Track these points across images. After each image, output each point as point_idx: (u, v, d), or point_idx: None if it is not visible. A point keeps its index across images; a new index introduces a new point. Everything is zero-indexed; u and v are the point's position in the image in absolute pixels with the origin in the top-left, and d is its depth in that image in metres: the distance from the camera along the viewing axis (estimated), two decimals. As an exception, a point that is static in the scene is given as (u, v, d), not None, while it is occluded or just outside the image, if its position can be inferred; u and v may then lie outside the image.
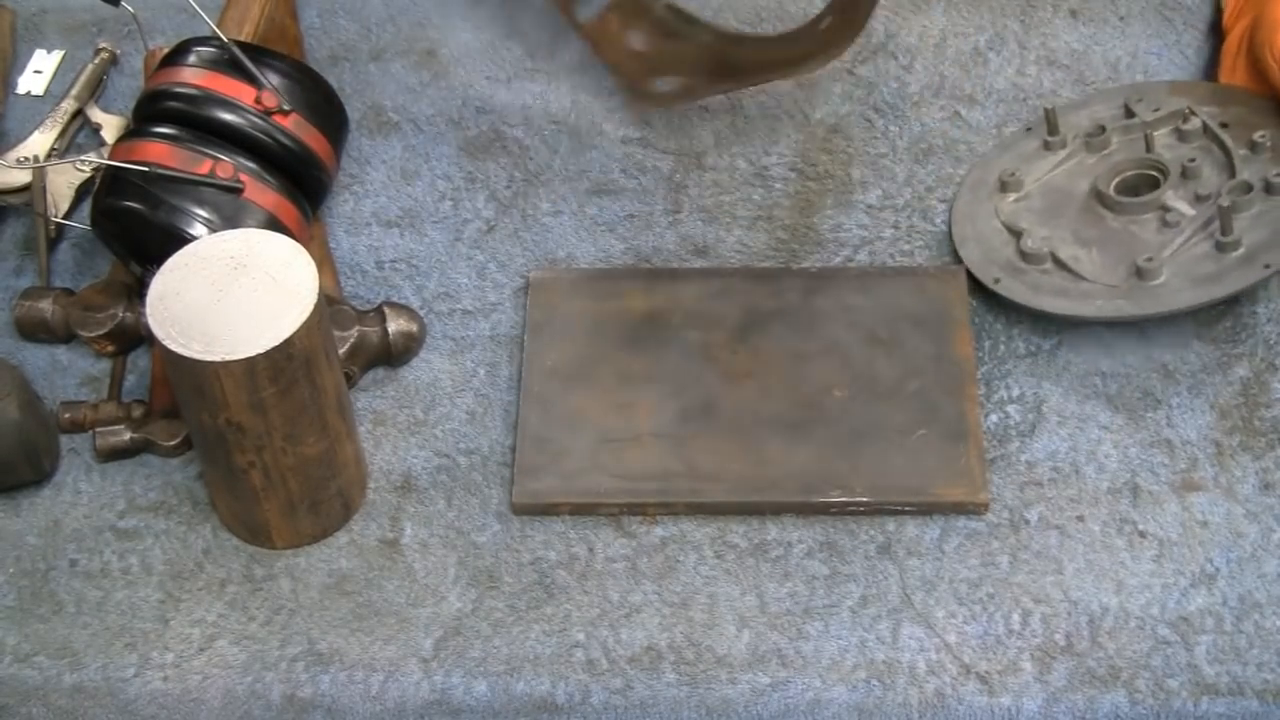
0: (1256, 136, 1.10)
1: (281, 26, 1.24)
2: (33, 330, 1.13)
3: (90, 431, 1.09)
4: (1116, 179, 1.13)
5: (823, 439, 1.05)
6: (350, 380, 1.10)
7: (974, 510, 1.03)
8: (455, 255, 1.17)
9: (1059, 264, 1.10)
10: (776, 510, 1.04)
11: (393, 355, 1.11)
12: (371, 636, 1.00)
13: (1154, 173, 1.12)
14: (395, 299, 1.14)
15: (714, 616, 1.00)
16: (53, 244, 1.18)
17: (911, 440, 1.05)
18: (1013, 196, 1.15)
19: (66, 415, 1.09)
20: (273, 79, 1.10)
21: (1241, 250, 1.06)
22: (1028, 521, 1.03)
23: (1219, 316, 1.11)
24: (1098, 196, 1.12)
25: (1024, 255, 1.11)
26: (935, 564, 1.01)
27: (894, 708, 0.97)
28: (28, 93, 1.29)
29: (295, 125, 1.10)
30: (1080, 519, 1.03)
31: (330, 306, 1.08)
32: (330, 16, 1.31)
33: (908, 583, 1.01)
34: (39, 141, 1.23)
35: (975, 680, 0.97)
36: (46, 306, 1.12)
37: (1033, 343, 1.10)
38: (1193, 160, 1.11)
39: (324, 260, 1.16)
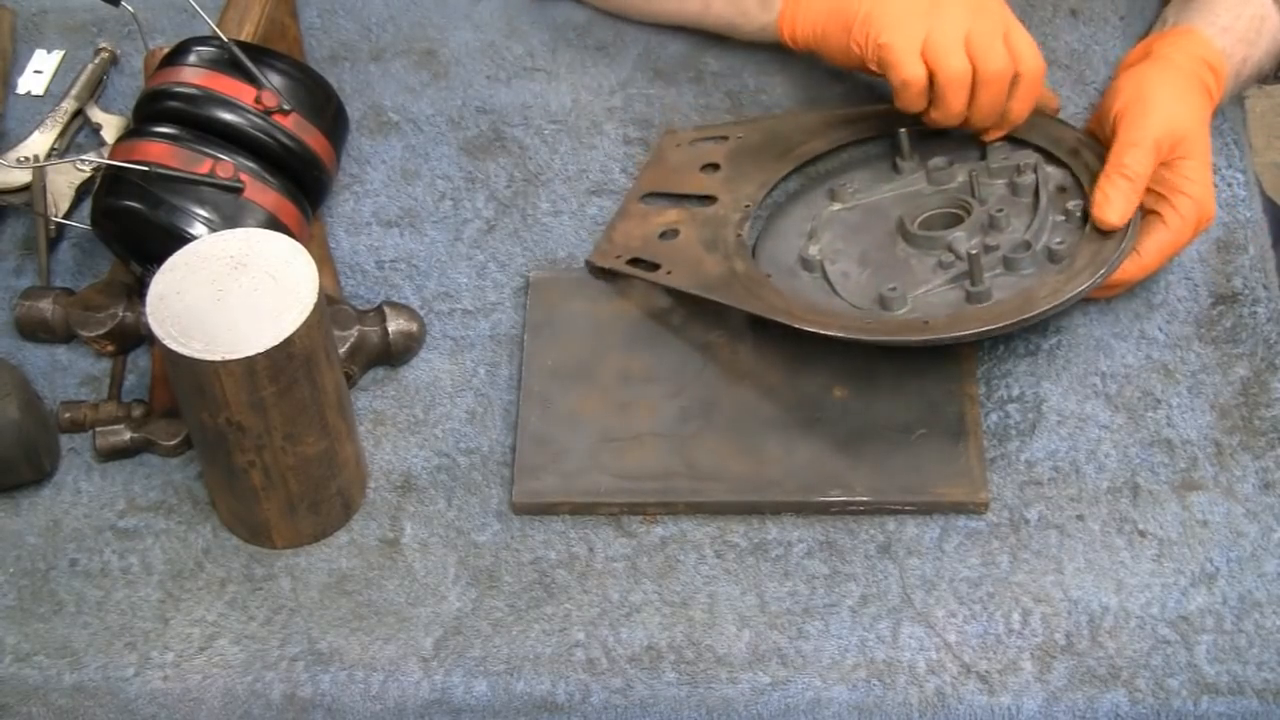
0: (1070, 204, 1.08)
1: (281, 26, 1.24)
2: (33, 330, 1.13)
3: (90, 431, 1.09)
4: (926, 213, 1.11)
5: (823, 439, 1.05)
6: (350, 380, 1.10)
7: (974, 510, 1.03)
8: (455, 255, 1.17)
9: (825, 276, 1.09)
10: (776, 510, 1.04)
11: (393, 355, 1.11)
12: (371, 636, 1.00)
13: (960, 212, 1.10)
14: (395, 299, 1.14)
15: (714, 616, 1.00)
16: (53, 244, 1.18)
17: (911, 440, 1.05)
18: (837, 206, 1.14)
19: (66, 415, 1.09)
20: (273, 79, 1.10)
21: (987, 304, 1.04)
22: (1028, 521, 1.03)
23: (1219, 316, 1.11)
24: (900, 225, 1.10)
25: (802, 260, 1.11)
26: (935, 563, 1.01)
27: (894, 707, 0.97)
28: (28, 93, 1.29)
29: (295, 125, 1.10)
30: (1080, 518, 1.03)
31: (330, 306, 1.08)
32: (330, 16, 1.31)
33: (908, 582, 1.01)
34: (39, 141, 1.23)
35: (975, 680, 0.97)
36: (46, 306, 1.12)
37: (1033, 343, 1.10)
38: (1001, 210, 1.08)
39: (324, 260, 1.16)
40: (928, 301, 1.06)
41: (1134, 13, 1.27)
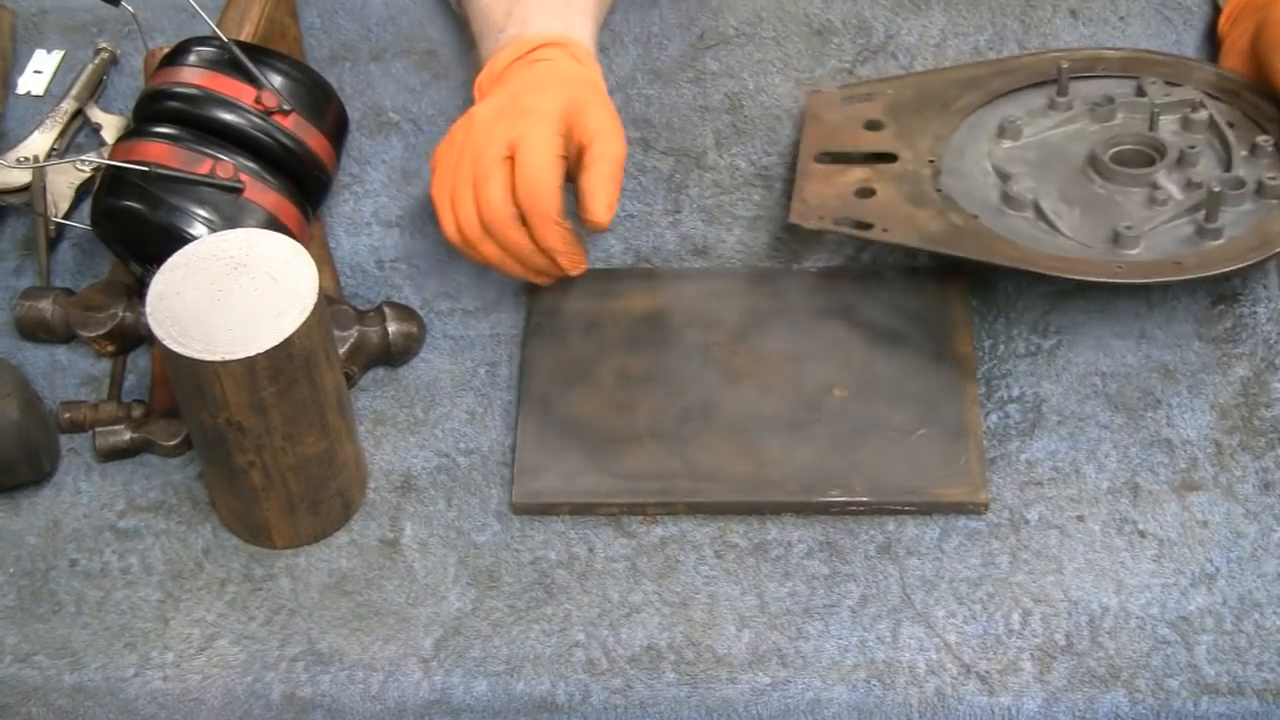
0: (1259, 139, 1.10)
1: (281, 26, 1.24)
2: (33, 330, 1.13)
3: (90, 431, 1.09)
4: (1114, 149, 1.12)
5: (823, 439, 1.05)
6: (350, 380, 1.10)
7: (974, 510, 1.03)
8: (455, 255, 1.17)
9: (1040, 214, 1.09)
10: (776, 510, 1.04)
11: (393, 355, 1.11)
12: (371, 636, 1.00)
13: (1151, 151, 1.12)
14: (395, 299, 1.14)
15: (714, 616, 1.00)
16: (53, 244, 1.18)
17: (911, 440, 1.05)
18: (1009, 143, 1.15)
19: (66, 415, 1.09)
20: (273, 79, 1.10)
21: (1221, 240, 1.06)
22: (1028, 521, 1.03)
23: (1219, 317, 1.11)
24: (1092, 161, 1.11)
25: (1007, 198, 1.11)
26: (935, 564, 1.01)
27: (894, 708, 0.97)
28: (28, 93, 1.29)
29: (295, 125, 1.10)
30: (1080, 519, 1.03)
31: (330, 306, 1.08)
32: (330, 16, 1.31)
33: (908, 582, 1.01)
34: (39, 141, 1.23)
35: (975, 680, 0.97)
36: (46, 306, 1.12)
37: (1033, 343, 1.10)
38: (1192, 148, 1.10)
39: (324, 260, 1.16)
40: (1158, 238, 1.07)
41: (1134, 13, 1.27)
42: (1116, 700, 0.96)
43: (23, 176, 1.20)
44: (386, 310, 1.11)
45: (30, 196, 1.19)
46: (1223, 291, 1.12)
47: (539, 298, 1.13)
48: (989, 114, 1.17)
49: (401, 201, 1.20)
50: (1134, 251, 1.06)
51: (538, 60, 1.12)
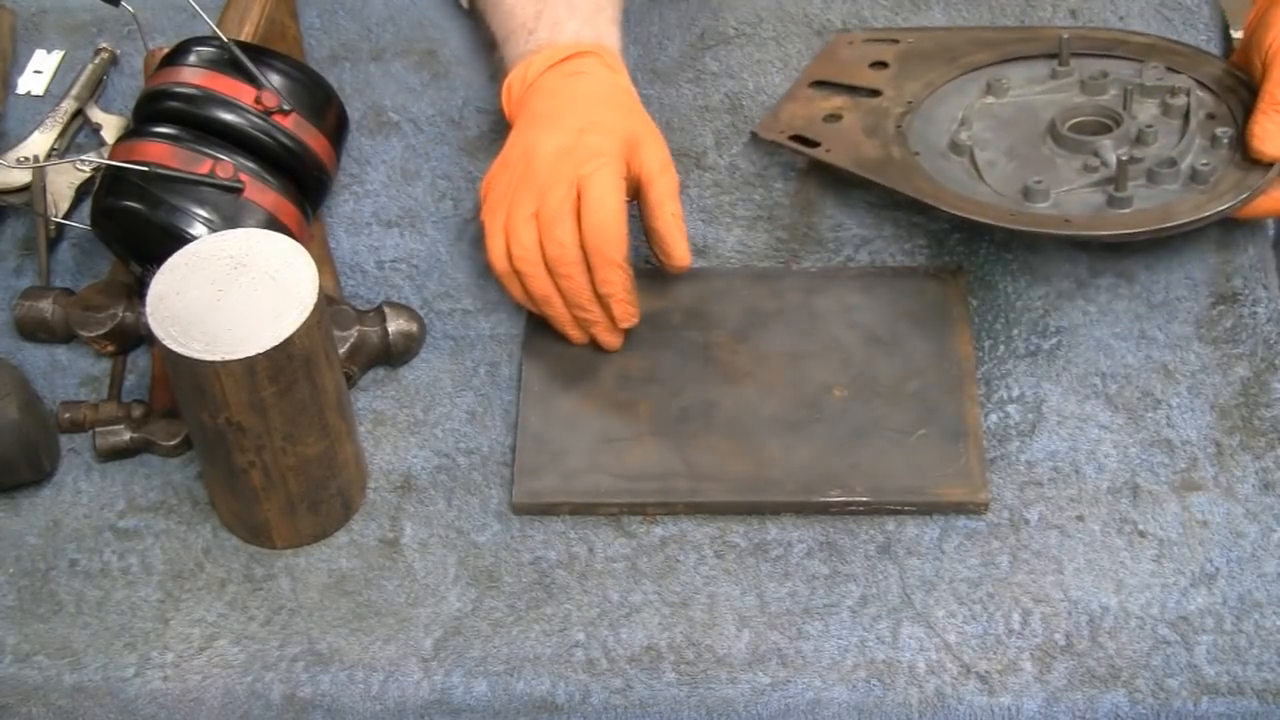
0: (1218, 131, 1.10)
1: (281, 26, 1.24)
2: (33, 330, 1.13)
3: (90, 431, 1.09)
4: (1075, 118, 1.14)
5: (823, 439, 1.05)
6: (350, 380, 1.10)
7: (974, 510, 1.03)
8: (455, 255, 1.17)
9: (973, 161, 1.12)
10: (776, 510, 1.04)
11: (393, 355, 1.11)
12: (371, 636, 1.00)
13: (1108, 122, 1.13)
14: (395, 299, 1.14)
15: (714, 616, 1.00)
16: (53, 244, 1.18)
17: (911, 440, 1.05)
18: (990, 99, 1.17)
19: (66, 415, 1.09)
20: (273, 79, 1.10)
21: (1125, 210, 1.07)
22: (1028, 521, 1.03)
23: (1219, 317, 1.11)
24: (1050, 125, 1.13)
25: (953, 143, 1.14)
26: (935, 564, 1.01)
27: (894, 708, 0.97)
28: (28, 93, 1.29)
29: (295, 125, 1.10)
30: (1080, 519, 1.03)
31: (330, 306, 1.08)
32: (330, 16, 1.31)
33: (908, 582, 1.01)
34: (39, 141, 1.23)
35: (975, 680, 0.97)
36: (46, 306, 1.12)
37: (1032, 343, 1.10)
38: (1150, 127, 1.11)
39: (324, 260, 1.16)
40: (1069, 199, 1.09)
41: (1133, 13, 1.27)
42: (1116, 700, 0.96)
43: (23, 176, 1.20)
44: (386, 310, 1.11)
45: (30, 196, 1.19)
46: (1223, 292, 1.12)
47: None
48: (989, 73, 1.19)
49: (401, 201, 1.20)
50: (1040, 205, 1.09)
51: (575, 72, 1.13)
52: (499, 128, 1.24)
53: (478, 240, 1.18)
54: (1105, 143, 1.11)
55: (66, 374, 1.13)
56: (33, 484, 1.07)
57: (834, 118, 1.18)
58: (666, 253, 1.10)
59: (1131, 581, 1.00)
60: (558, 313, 1.09)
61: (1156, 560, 1.01)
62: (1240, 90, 1.13)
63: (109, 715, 0.99)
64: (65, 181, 1.20)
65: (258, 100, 1.09)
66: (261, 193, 1.08)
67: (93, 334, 1.11)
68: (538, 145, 1.09)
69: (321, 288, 0.96)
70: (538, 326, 1.12)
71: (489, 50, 1.25)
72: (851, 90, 1.20)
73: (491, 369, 1.12)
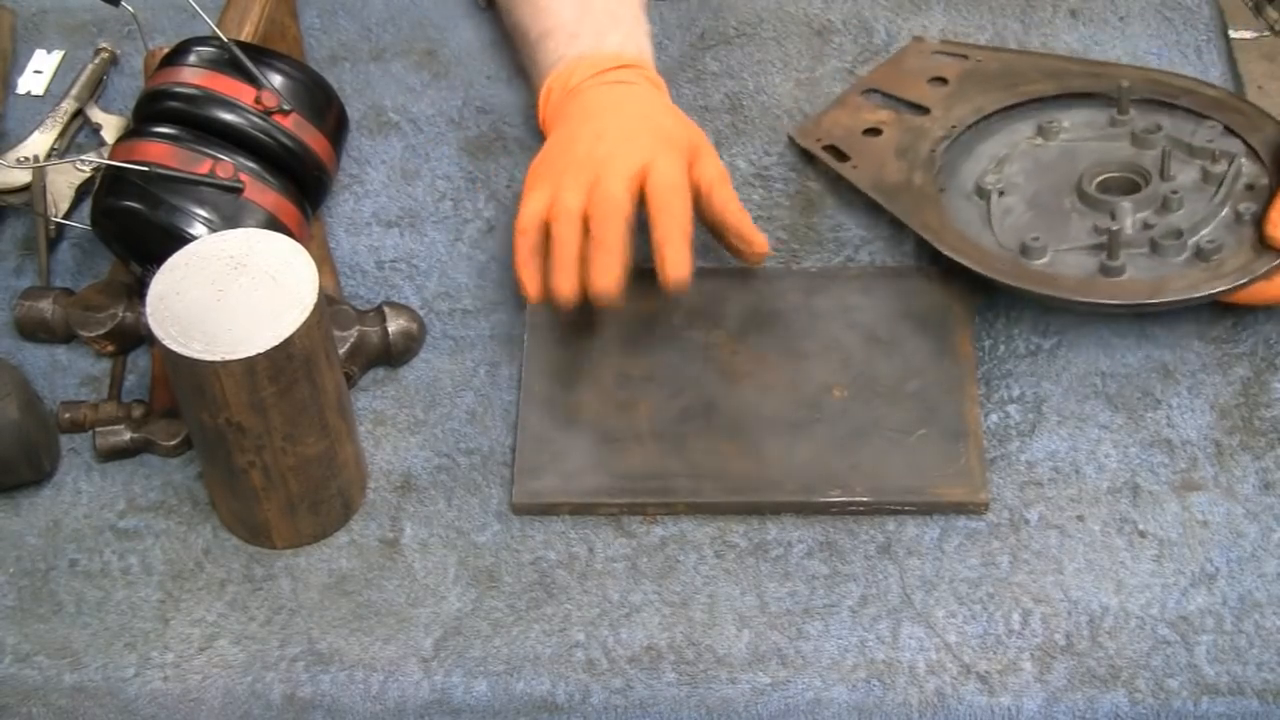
0: (1241, 207, 1.08)
1: (281, 26, 1.24)
2: (33, 330, 1.13)
3: (90, 431, 1.09)
4: (1106, 174, 1.12)
5: (823, 439, 1.05)
6: (350, 380, 1.10)
7: (974, 510, 1.03)
8: (455, 255, 1.17)
9: (987, 208, 1.12)
10: (776, 510, 1.04)
11: (393, 355, 1.11)
12: (371, 636, 1.00)
13: (1139, 180, 1.12)
14: (395, 299, 1.14)
15: (714, 616, 1.00)
16: (53, 244, 1.18)
17: (911, 440, 1.05)
18: (1039, 141, 1.16)
19: (66, 415, 1.09)
20: (273, 79, 1.10)
21: (1117, 279, 1.06)
22: (1028, 521, 1.03)
23: (1219, 316, 1.11)
24: (1079, 178, 1.12)
25: (978, 188, 1.13)
26: (935, 564, 1.01)
27: (894, 708, 0.97)
28: (28, 93, 1.29)
29: (295, 125, 1.10)
30: (1080, 519, 1.03)
31: (330, 306, 1.08)
32: (330, 16, 1.31)
33: (908, 582, 1.01)
34: (39, 141, 1.23)
35: (975, 680, 0.97)
36: (46, 306, 1.12)
37: (1033, 343, 1.10)
38: (1176, 193, 1.09)
39: (324, 260, 1.16)
40: (1065, 259, 1.08)
41: (1134, 13, 1.27)
42: (1116, 700, 0.96)
43: (23, 176, 1.20)
44: (386, 310, 1.11)
45: (30, 196, 1.19)
46: (1223, 291, 1.12)
47: (539, 298, 1.13)
48: (1046, 111, 1.17)
49: (401, 201, 1.20)
50: (1036, 263, 1.08)
51: (622, 81, 1.13)
52: (499, 127, 1.24)
53: (478, 240, 1.18)
54: (1125, 205, 1.09)
55: (66, 374, 1.13)
56: (33, 484, 1.07)
57: (875, 131, 1.18)
58: (748, 241, 1.10)
59: (1131, 581, 1.00)
60: (561, 269, 1.05)
61: (1156, 560, 1.01)
62: None
63: (109, 715, 0.99)
64: (65, 181, 1.20)
65: (258, 100, 1.09)
66: (261, 193, 1.08)
67: (93, 334, 1.11)
68: (609, 130, 1.09)
69: (321, 288, 0.96)
70: (538, 326, 1.12)
71: (516, 44, 1.24)
72: (901, 104, 1.20)
73: (491, 369, 1.12)
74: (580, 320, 1.12)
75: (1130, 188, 1.11)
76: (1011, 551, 1.02)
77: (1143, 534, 1.02)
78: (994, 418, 1.07)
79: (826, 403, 1.07)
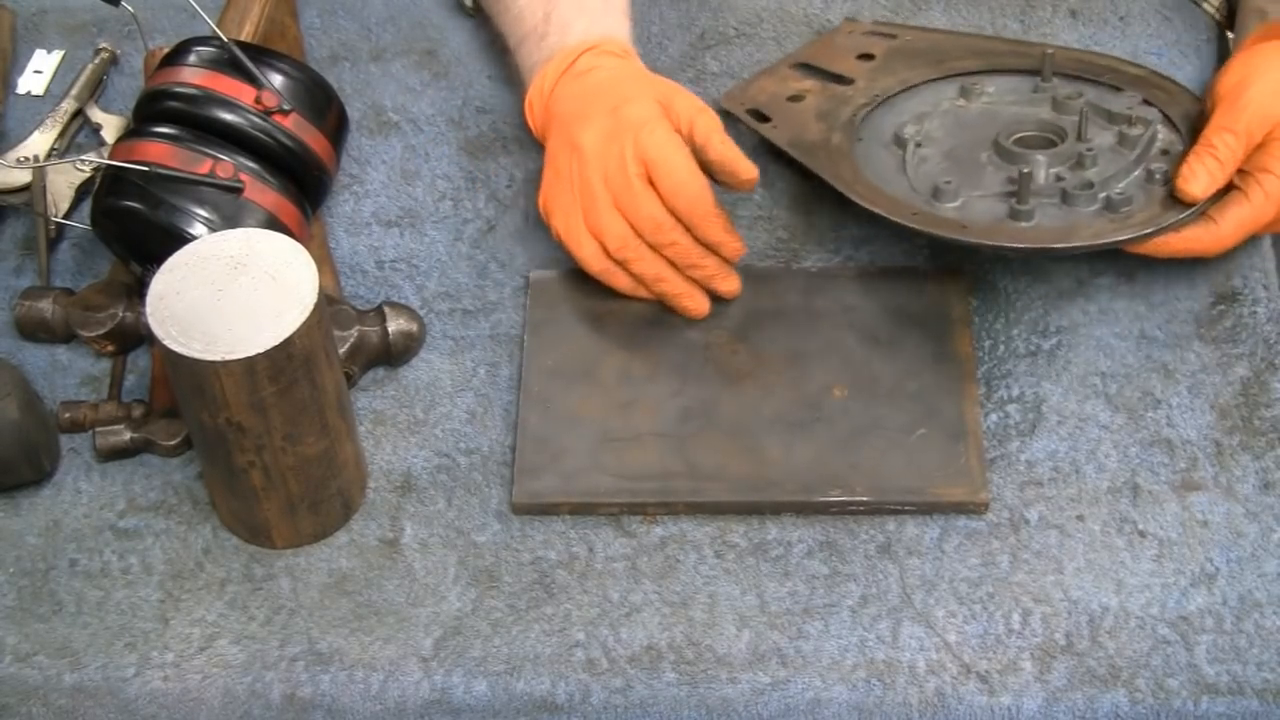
0: (1154, 166, 1.08)
1: (281, 26, 1.24)
2: (33, 330, 1.13)
3: (90, 431, 1.09)
4: (1023, 132, 1.13)
5: (823, 439, 1.05)
6: (350, 380, 1.10)
7: (974, 510, 1.03)
8: (455, 255, 1.17)
9: (903, 156, 1.12)
10: (776, 510, 1.04)
11: (393, 355, 1.11)
12: (371, 636, 1.00)
13: (1054, 138, 1.12)
14: (395, 299, 1.14)
15: (714, 616, 1.00)
16: (53, 244, 1.18)
17: (911, 440, 1.05)
18: (960, 102, 1.17)
19: (66, 415, 1.09)
20: (273, 79, 1.10)
21: (1029, 224, 1.06)
22: (1028, 521, 1.03)
23: (1219, 316, 1.11)
24: (996, 134, 1.12)
25: (896, 137, 1.14)
26: (935, 564, 1.01)
27: (894, 707, 0.97)
28: (28, 93, 1.29)
29: (295, 125, 1.10)
30: (1080, 519, 1.03)
31: (330, 306, 1.08)
32: (330, 16, 1.32)
33: (908, 582, 1.01)
34: (39, 141, 1.23)
35: (975, 680, 0.97)
36: (46, 306, 1.12)
37: (1032, 343, 1.10)
38: (1091, 150, 1.10)
39: (324, 260, 1.16)
40: (976, 204, 1.08)
41: (1134, 13, 1.27)
42: (1116, 700, 0.96)
43: (23, 176, 1.20)
44: (386, 310, 1.11)
45: (30, 196, 1.19)
46: (1223, 292, 1.12)
47: (539, 298, 1.13)
48: (970, 80, 1.18)
49: (401, 201, 1.20)
50: (947, 205, 1.08)
51: (586, 69, 1.14)
52: (499, 127, 1.24)
53: (478, 240, 1.18)
54: (1039, 159, 1.09)
55: (66, 374, 1.13)
56: (33, 484, 1.07)
57: (798, 98, 1.19)
58: (733, 173, 1.10)
59: (1131, 581, 1.00)
60: (672, 286, 1.10)
61: (1156, 560, 1.01)
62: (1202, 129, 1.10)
63: (109, 715, 0.99)
64: (65, 181, 1.20)
65: (258, 100, 1.09)
66: (261, 193, 1.08)
67: (93, 334, 1.11)
68: (581, 140, 1.09)
69: (321, 288, 0.96)
70: (538, 326, 1.12)
71: (500, 50, 1.25)
72: (827, 76, 1.21)
73: (491, 369, 1.12)
74: (580, 320, 1.12)
75: (1046, 145, 1.12)
76: (1011, 551, 1.02)
77: (1143, 534, 1.02)
78: (994, 418, 1.07)
79: (826, 403, 1.07)
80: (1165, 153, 1.10)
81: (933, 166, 1.11)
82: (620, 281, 1.11)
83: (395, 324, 1.11)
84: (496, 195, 1.20)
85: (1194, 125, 1.11)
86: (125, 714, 0.99)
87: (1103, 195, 1.07)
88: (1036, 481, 1.04)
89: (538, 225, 1.18)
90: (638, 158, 1.07)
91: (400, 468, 1.07)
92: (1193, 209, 1.05)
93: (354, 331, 1.10)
